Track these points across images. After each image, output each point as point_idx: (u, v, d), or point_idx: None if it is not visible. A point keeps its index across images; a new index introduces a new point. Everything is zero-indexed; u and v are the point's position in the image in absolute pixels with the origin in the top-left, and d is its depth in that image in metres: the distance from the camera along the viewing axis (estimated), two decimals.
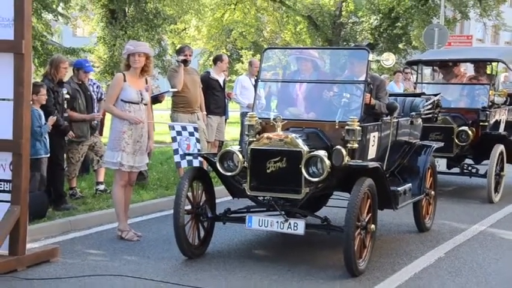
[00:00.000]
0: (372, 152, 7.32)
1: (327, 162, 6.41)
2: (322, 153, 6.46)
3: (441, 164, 10.94)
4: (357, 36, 32.85)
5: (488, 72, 12.64)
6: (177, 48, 12.31)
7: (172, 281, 6.19)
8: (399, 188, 7.51)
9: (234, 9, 32.20)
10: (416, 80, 12.96)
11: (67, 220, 8.30)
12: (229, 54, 34.01)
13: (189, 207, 6.98)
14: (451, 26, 32.07)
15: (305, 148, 6.50)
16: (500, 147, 10.86)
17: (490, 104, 11.29)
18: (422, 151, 8.47)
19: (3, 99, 6.51)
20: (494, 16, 32.64)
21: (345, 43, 32.10)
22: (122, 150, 7.59)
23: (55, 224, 8.13)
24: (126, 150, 7.61)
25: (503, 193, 11.00)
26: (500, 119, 11.73)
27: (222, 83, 11.91)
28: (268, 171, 6.59)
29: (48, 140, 8.61)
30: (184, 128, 8.41)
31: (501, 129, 11.68)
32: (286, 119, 6.90)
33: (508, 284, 6.40)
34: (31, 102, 7.22)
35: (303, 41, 32.83)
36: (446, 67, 12.62)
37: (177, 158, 8.30)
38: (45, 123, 8.47)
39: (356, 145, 6.76)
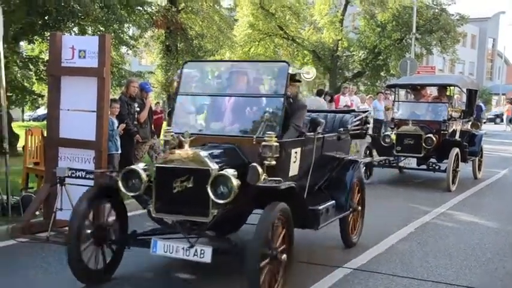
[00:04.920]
0: (294, 168, 5.29)
1: (235, 182, 4.38)
2: (230, 172, 4.44)
3: (412, 162, 11.06)
4: (349, 66, 32.71)
5: (448, 93, 12.58)
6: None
7: None
8: (320, 207, 5.45)
9: (258, 45, 32.08)
10: (394, 99, 12.91)
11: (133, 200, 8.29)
12: None
13: (90, 230, 4.97)
14: (419, 59, 31.89)
15: (213, 166, 4.47)
16: (456, 150, 10.82)
17: (449, 117, 11.25)
18: (350, 166, 6.39)
19: (90, 111, 6.57)
20: (451, 53, 32.75)
21: (340, 71, 32.02)
22: None
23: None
24: None
25: (458, 184, 10.91)
26: (456, 129, 11.69)
27: None
28: (174, 191, 4.54)
29: (119, 140, 8.59)
30: None
31: (457, 137, 11.62)
32: (204, 134, 5.17)
33: (461, 252, 6.33)
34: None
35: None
36: (416, 90, 12.55)
37: None
38: (117, 128, 8.51)
39: (274, 162, 4.77)
